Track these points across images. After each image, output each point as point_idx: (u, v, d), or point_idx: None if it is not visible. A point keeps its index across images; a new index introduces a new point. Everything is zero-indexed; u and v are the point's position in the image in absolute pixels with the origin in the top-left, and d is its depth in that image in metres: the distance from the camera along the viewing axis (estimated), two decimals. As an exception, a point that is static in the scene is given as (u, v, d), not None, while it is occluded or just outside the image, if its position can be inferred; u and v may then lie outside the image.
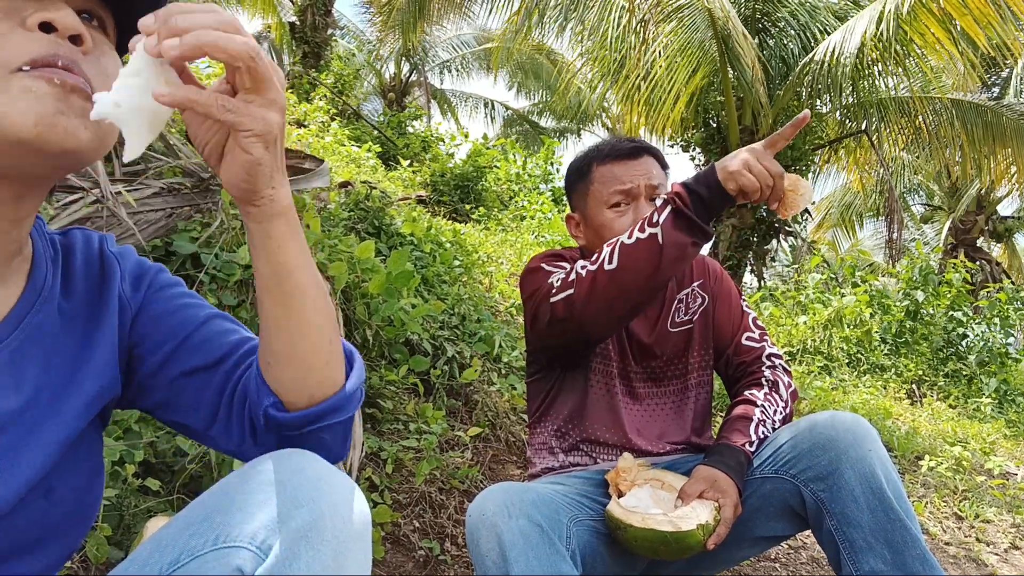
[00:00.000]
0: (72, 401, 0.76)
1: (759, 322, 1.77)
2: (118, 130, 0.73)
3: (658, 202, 1.55)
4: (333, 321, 0.77)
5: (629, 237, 1.40)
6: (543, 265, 1.61)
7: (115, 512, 1.36)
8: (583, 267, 1.46)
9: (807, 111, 1.34)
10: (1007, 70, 12.17)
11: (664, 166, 1.67)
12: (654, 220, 1.37)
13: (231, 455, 0.85)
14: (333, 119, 8.83)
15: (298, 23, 12.52)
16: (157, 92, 0.61)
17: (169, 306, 0.86)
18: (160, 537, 0.68)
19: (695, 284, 1.74)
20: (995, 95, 11.89)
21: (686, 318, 1.72)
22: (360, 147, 7.88)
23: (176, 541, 0.66)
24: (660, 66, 7.90)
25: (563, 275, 1.50)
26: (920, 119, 8.33)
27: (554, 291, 1.49)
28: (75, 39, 0.68)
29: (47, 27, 0.66)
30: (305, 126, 7.62)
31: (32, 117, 0.63)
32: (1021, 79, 12.46)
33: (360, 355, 0.87)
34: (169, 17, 0.60)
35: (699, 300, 1.73)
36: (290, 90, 9.80)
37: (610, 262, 1.40)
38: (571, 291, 1.45)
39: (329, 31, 12.88)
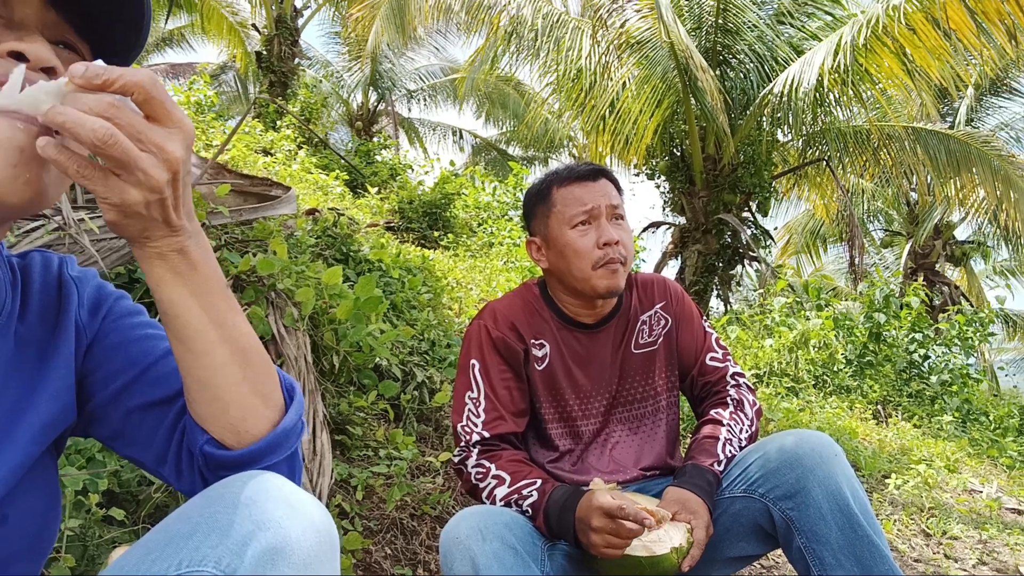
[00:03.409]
0: (27, 427, 0.74)
1: (721, 342, 1.79)
2: None
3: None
4: (248, 362, 0.75)
5: (502, 499, 1.47)
6: (471, 368, 1.63)
7: (79, 543, 1.33)
8: (474, 467, 1.53)
9: None
10: (959, 101, 12.61)
11: (620, 189, 1.69)
12: (523, 509, 1.44)
13: (184, 493, 0.83)
14: (300, 147, 8.81)
15: (264, 52, 12.55)
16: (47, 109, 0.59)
17: (128, 336, 0.84)
18: (121, 564, 0.65)
19: (658, 306, 1.75)
20: (948, 124, 12.29)
21: (650, 340, 1.73)
22: (328, 175, 7.86)
23: (138, 567, 0.63)
24: (626, 97, 8.04)
25: (468, 430, 1.57)
26: (881, 147, 8.58)
27: (457, 452, 1.59)
28: (48, 71, 0.67)
29: (20, 57, 0.66)
30: (272, 154, 7.59)
31: None
32: (972, 108, 12.94)
33: (300, 388, 0.85)
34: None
35: (662, 322, 1.75)
36: (256, 119, 9.78)
37: (487, 499, 1.49)
38: (459, 478, 1.59)
39: (296, 60, 12.92)
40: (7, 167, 0.63)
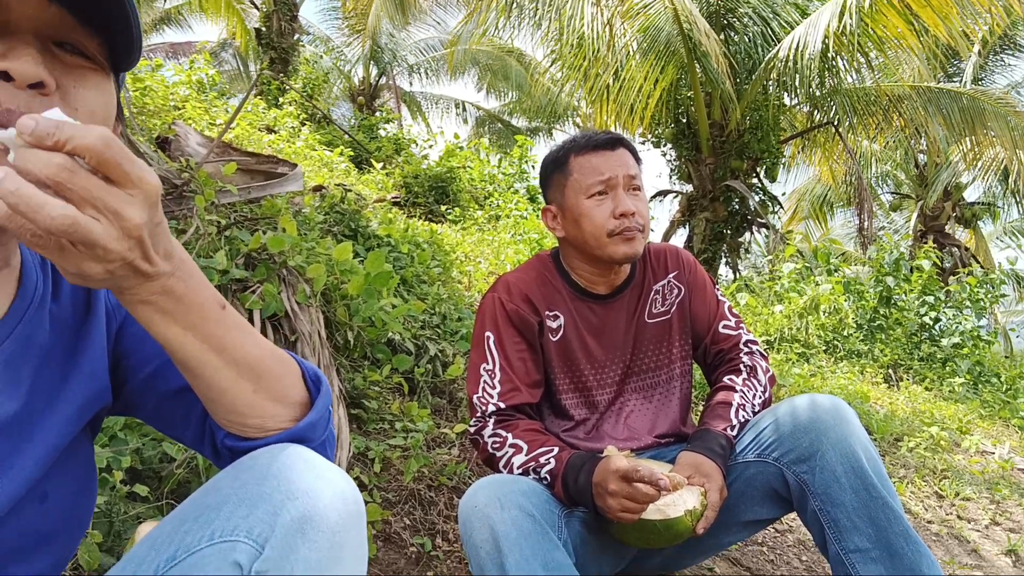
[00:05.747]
0: (64, 407, 0.75)
1: (734, 310, 1.80)
2: None
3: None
4: (258, 374, 0.74)
5: (520, 467, 1.48)
6: (486, 341, 1.63)
7: (105, 519, 1.36)
8: (491, 436, 1.54)
9: None
10: (967, 60, 12.44)
11: (638, 159, 1.68)
12: (540, 476, 1.46)
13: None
14: (304, 124, 8.77)
15: (264, 29, 12.43)
16: None
17: None
18: (155, 536, 0.67)
19: (671, 275, 1.76)
20: (956, 84, 12.13)
21: (663, 309, 1.74)
22: (332, 151, 7.84)
23: (172, 538, 0.65)
24: (630, 65, 7.95)
25: (484, 401, 1.58)
26: (891, 108, 8.47)
27: (473, 423, 1.60)
28: (36, 87, 0.63)
29: (3, 76, 0.62)
30: (276, 132, 7.56)
31: None
32: (979, 67, 12.75)
33: (326, 378, 0.85)
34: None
35: (675, 291, 1.75)
36: (259, 96, 9.73)
37: (504, 468, 1.50)
38: (476, 449, 1.61)
39: (296, 36, 12.80)
40: None
